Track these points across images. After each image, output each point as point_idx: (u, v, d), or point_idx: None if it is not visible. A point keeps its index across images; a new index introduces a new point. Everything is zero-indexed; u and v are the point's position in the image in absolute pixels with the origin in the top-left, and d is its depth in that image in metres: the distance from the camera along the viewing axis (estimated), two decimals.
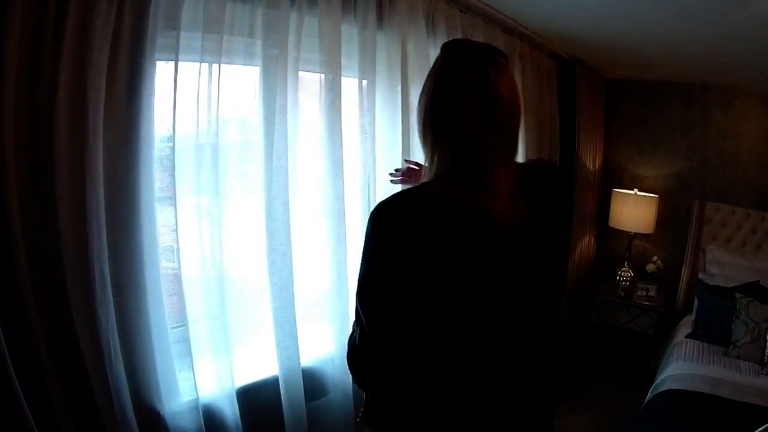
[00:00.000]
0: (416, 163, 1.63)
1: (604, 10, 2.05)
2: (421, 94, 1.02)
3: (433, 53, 1.83)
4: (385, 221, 0.97)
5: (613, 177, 3.73)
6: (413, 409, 1.01)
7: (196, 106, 1.34)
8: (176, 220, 1.36)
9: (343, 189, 1.65)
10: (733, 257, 3.15)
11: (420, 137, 1.04)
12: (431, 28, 1.95)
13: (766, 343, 2.55)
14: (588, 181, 3.43)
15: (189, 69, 1.35)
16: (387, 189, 1.71)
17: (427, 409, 1.01)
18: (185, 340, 1.44)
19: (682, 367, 2.55)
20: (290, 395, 1.61)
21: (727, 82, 3.23)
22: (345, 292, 1.70)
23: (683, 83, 3.40)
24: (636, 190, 3.46)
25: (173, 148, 1.34)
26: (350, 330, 1.07)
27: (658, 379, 2.52)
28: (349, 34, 1.64)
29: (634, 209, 3.38)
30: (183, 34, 1.29)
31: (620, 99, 3.69)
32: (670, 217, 3.51)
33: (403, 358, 0.99)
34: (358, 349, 1.02)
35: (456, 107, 0.95)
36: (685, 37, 2.27)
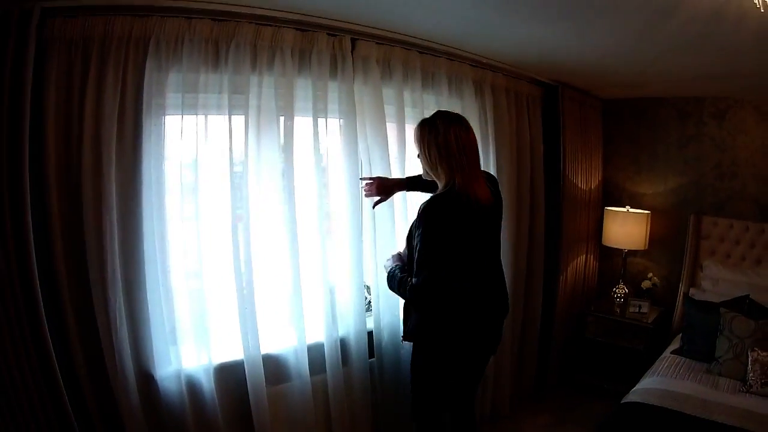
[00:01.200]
0: (370, 178, 2.31)
1: (573, 41, 2.42)
2: (429, 145, 1.91)
3: (391, 93, 2.47)
4: (434, 211, 1.84)
5: (613, 196, 4.01)
6: (452, 318, 1.91)
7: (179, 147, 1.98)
8: (166, 235, 1.98)
9: (295, 210, 2.21)
10: (730, 273, 3.28)
11: (429, 167, 1.95)
12: (387, 72, 2.48)
13: (748, 360, 2.58)
14: (580, 202, 3.73)
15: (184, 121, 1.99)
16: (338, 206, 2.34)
17: (459, 316, 1.92)
18: (174, 323, 2.04)
19: (653, 382, 2.67)
20: (253, 377, 2.12)
21: (716, 92, 3.42)
22: (300, 299, 2.24)
23: (677, 97, 3.63)
24: (628, 207, 3.73)
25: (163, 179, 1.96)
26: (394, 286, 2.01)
27: (628, 393, 2.60)
28: (305, 85, 2.21)
29: (624, 226, 3.64)
30: (169, 96, 1.91)
31: (617, 118, 3.96)
32: (668, 233, 3.72)
33: (447, 288, 1.86)
34: (419, 287, 1.86)
35: (450, 150, 1.87)
36: (651, 55, 2.54)
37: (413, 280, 1.88)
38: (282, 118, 2.13)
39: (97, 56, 1.79)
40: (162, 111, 1.92)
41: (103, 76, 1.80)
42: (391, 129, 2.51)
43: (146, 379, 1.98)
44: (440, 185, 1.94)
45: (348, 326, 2.43)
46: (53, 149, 1.76)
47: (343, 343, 2.42)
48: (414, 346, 2.06)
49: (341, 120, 2.32)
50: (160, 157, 1.94)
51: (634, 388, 2.65)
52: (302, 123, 2.23)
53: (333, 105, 2.29)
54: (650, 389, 2.58)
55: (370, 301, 2.73)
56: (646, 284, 3.71)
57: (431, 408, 2.10)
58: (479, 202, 1.88)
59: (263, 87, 2.08)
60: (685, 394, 2.48)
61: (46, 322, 1.70)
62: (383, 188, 2.27)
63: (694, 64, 2.67)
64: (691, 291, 3.39)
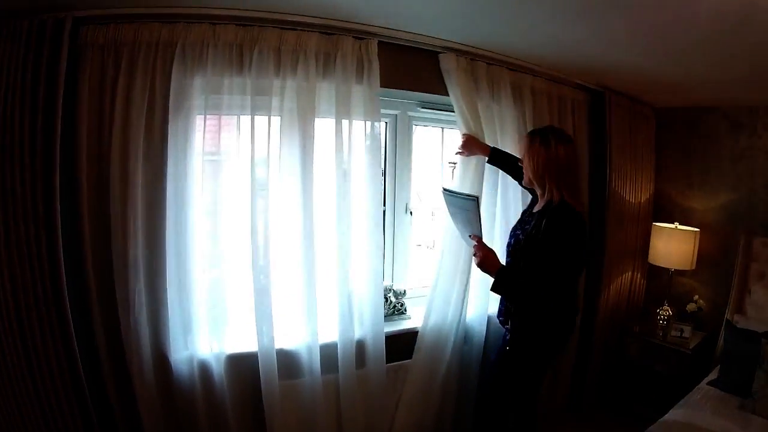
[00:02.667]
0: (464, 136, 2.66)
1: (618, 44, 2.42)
2: (538, 156, 2.07)
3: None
4: (580, 226, 2.03)
5: (664, 211, 3.87)
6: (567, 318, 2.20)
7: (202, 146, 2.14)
8: (188, 227, 2.14)
9: (313, 210, 2.31)
10: None
11: (534, 177, 2.11)
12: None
13: None
14: (627, 216, 3.62)
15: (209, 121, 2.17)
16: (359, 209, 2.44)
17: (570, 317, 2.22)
18: (191, 310, 2.20)
19: (679, 414, 2.57)
20: (266, 369, 2.26)
21: None
22: (314, 297, 2.35)
23: (730, 107, 3.46)
24: (677, 223, 3.59)
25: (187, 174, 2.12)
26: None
27: (652, 425, 2.50)
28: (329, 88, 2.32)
29: (670, 244, 3.50)
30: (195, 97, 2.08)
31: (670, 128, 3.82)
32: (716, 253, 3.57)
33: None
34: (556, 298, 2.05)
35: (559, 165, 2.06)
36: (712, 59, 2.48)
37: (544, 289, 2.01)
38: (305, 120, 2.24)
39: (126, 61, 1.99)
40: (187, 112, 2.07)
41: (132, 80, 2.00)
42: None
43: (161, 360, 2.16)
44: (543, 196, 2.13)
45: (366, 328, 2.51)
46: (85, 145, 1.99)
47: (360, 345, 2.51)
48: (518, 344, 2.24)
49: (367, 122, 2.40)
50: (185, 154, 2.09)
51: (660, 419, 2.55)
52: (325, 125, 2.34)
53: (358, 108, 2.37)
54: (674, 422, 2.50)
55: (395, 306, 2.81)
56: (691, 307, 3.55)
57: (531, 402, 2.34)
58: (584, 216, 2.10)
59: (286, 90, 2.21)
60: (707, 430, 2.38)
61: (69, 305, 1.93)
62: (469, 145, 2.63)
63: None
64: (736, 317, 3.21)
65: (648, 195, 3.82)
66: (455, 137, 2.84)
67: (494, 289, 2.09)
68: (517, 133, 2.86)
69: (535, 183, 2.14)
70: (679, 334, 3.40)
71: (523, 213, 2.34)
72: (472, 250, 2.18)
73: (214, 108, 2.14)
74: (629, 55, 2.57)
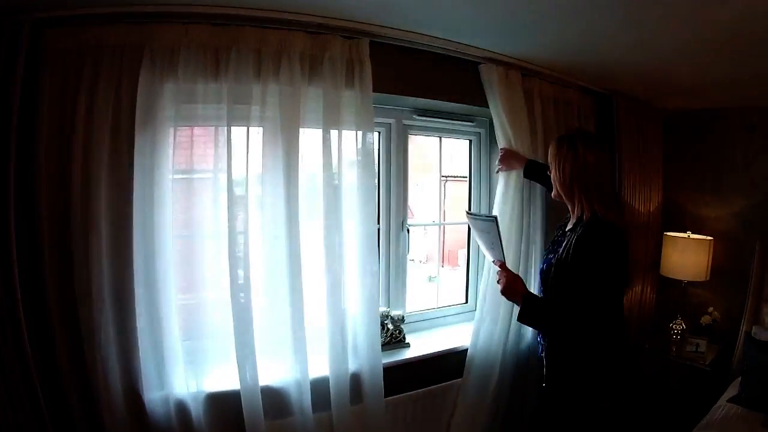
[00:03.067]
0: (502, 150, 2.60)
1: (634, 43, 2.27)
2: (563, 165, 1.88)
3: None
4: (618, 243, 1.79)
5: (674, 220, 3.69)
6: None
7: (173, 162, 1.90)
8: (158, 252, 1.91)
9: (299, 231, 2.08)
10: None
11: (562, 188, 1.92)
12: None
13: None
14: (637, 226, 3.43)
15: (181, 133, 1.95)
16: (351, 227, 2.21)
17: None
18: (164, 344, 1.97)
19: None
20: (250, 409, 2.01)
21: None
22: (302, 327, 2.11)
23: (742, 108, 3.33)
24: (690, 232, 3.42)
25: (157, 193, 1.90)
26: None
27: None
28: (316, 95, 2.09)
29: (684, 254, 3.33)
30: (165, 107, 1.85)
31: (679, 132, 3.67)
32: (730, 261, 3.41)
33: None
34: (596, 323, 1.77)
35: (589, 174, 1.84)
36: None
37: (577, 320, 1.79)
38: (289, 131, 2.02)
39: (90, 67, 1.78)
40: (156, 123, 1.85)
41: (95, 88, 1.78)
42: None
43: (134, 399, 1.92)
44: (574, 211, 1.93)
45: (361, 360, 2.29)
46: (45, 160, 1.77)
47: (355, 379, 2.28)
48: (554, 384, 2.01)
49: (358, 133, 2.18)
50: (153, 172, 1.87)
51: None
52: (311, 136, 2.13)
53: (349, 117, 2.15)
54: None
55: (392, 333, 2.59)
56: (705, 320, 3.41)
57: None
58: (623, 231, 1.88)
59: (268, 97, 1.99)
60: None
61: (29, 343, 1.71)
62: (507, 159, 2.60)
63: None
64: (754, 329, 3.06)
65: (657, 203, 3.64)
66: (456, 146, 2.73)
67: (521, 318, 1.90)
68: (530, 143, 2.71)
69: (563, 195, 1.94)
70: (694, 348, 3.27)
71: (556, 233, 2.10)
72: (496, 277, 2.01)
73: (186, 119, 1.93)
74: (655, 56, 2.43)
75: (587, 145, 1.85)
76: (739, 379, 2.88)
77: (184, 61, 1.84)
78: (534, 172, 2.52)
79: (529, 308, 1.88)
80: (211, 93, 1.91)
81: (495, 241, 1.96)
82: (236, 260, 1.97)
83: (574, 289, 1.79)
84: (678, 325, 3.36)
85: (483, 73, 2.56)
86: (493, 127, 3.00)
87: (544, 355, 2.02)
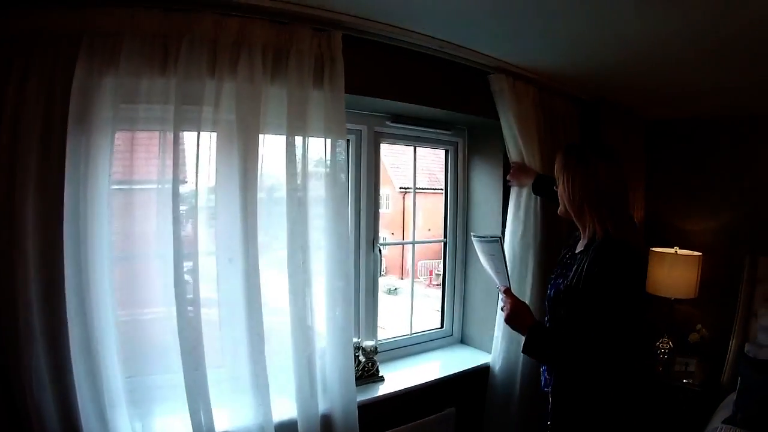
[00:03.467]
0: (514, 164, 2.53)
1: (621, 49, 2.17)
2: (573, 179, 1.68)
3: None
4: (630, 264, 1.60)
5: (658, 235, 3.55)
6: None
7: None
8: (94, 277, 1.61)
9: (258, 251, 1.79)
10: None
11: (570, 204, 1.71)
12: None
13: None
14: None
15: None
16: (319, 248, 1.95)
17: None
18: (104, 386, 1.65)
19: None
20: None
21: None
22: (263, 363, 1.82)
23: (730, 117, 3.26)
24: (677, 248, 3.29)
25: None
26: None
27: None
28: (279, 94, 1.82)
29: (671, 271, 3.20)
30: (103, 106, 1.56)
31: (663, 142, 3.59)
32: (718, 277, 3.31)
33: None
34: (604, 354, 1.58)
35: (600, 190, 1.64)
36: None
37: (586, 353, 1.60)
38: (247, 136, 1.76)
39: (21, 57, 1.47)
40: (92, 125, 1.56)
41: (25, 84, 1.47)
42: None
43: None
44: (585, 231, 1.73)
45: (333, 399, 2.00)
46: None
47: (326, 421, 1.99)
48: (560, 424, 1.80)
49: (328, 140, 1.93)
50: (87, 182, 1.58)
51: None
52: (274, 143, 1.87)
53: (317, 122, 1.90)
54: None
55: (365, 366, 2.34)
56: (693, 337, 3.29)
57: None
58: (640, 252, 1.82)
59: (223, 97, 1.71)
60: None
61: None
62: (517, 175, 2.53)
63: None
64: (747, 346, 2.92)
65: (639, 218, 3.51)
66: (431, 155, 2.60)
67: (526, 350, 1.70)
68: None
69: (572, 213, 1.74)
70: (683, 368, 3.13)
71: (564, 254, 1.88)
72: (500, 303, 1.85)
73: (127, 121, 1.64)
74: (654, 61, 2.32)
75: (600, 157, 1.67)
76: (731, 397, 2.77)
77: (127, 51, 1.55)
78: (543, 186, 2.37)
79: (535, 340, 1.67)
80: (157, 91, 1.62)
81: (500, 265, 1.79)
82: (183, 287, 1.67)
83: (587, 320, 1.59)
84: (665, 344, 3.23)
85: (493, 84, 2.46)
86: (472, 136, 2.87)
87: (549, 391, 1.81)
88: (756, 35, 1.87)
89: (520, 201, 2.55)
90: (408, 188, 18.15)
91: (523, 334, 1.71)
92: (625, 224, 1.67)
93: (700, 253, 3.24)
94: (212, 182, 1.75)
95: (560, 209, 1.79)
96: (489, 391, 2.62)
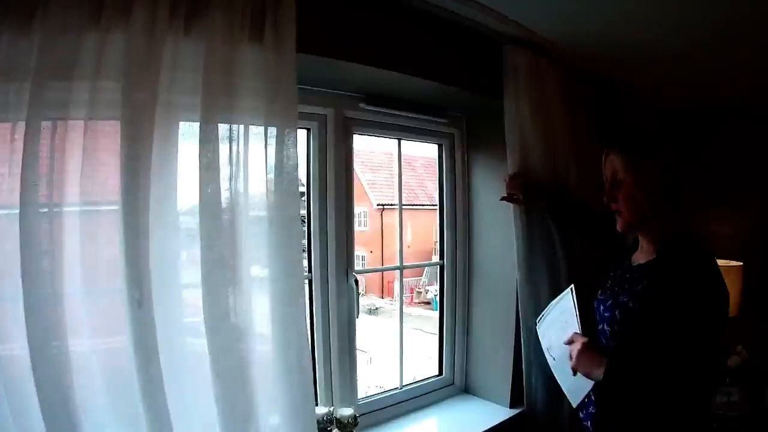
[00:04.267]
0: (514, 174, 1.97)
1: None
2: (648, 179, 1.35)
3: None
4: (717, 279, 1.29)
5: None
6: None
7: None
8: None
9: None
10: None
11: (654, 212, 1.36)
12: None
13: None
14: None
15: None
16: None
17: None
18: None
19: None
20: None
21: None
22: None
23: (752, 102, 2.88)
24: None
25: None
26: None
27: None
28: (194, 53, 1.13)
29: None
30: None
31: (681, 134, 3.09)
32: (757, 285, 2.86)
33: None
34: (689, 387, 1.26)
35: (677, 188, 1.38)
36: None
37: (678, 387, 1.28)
38: (140, 122, 1.09)
39: None
40: None
41: None
42: None
43: None
44: (652, 237, 1.43)
45: None
46: None
47: None
48: None
49: (270, 129, 1.26)
50: None
51: None
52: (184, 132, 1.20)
53: (252, 100, 1.23)
54: None
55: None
56: (734, 361, 2.87)
57: None
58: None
59: (105, 58, 1.06)
60: None
61: None
62: (521, 187, 1.94)
63: None
64: None
65: None
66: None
67: (605, 393, 1.37)
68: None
69: (642, 223, 1.42)
70: (726, 399, 2.77)
71: (616, 271, 1.52)
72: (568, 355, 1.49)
73: None
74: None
75: (664, 141, 1.43)
76: None
77: None
78: (562, 208, 1.96)
79: (619, 375, 1.30)
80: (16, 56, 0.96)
81: (570, 317, 1.50)
82: (48, 357, 1.02)
83: (668, 345, 1.26)
84: None
85: (510, 58, 1.91)
86: (472, 126, 2.25)
87: (589, 425, 1.49)
88: None
89: (531, 222, 2.01)
90: (386, 204, 16.74)
91: (596, 374, 1.33)
92: (690, 223, 1.41)
93: (742, 263, 2.77)
94: (76, 198, 1.07)
95: (619, 225, 1.44)
96: None
